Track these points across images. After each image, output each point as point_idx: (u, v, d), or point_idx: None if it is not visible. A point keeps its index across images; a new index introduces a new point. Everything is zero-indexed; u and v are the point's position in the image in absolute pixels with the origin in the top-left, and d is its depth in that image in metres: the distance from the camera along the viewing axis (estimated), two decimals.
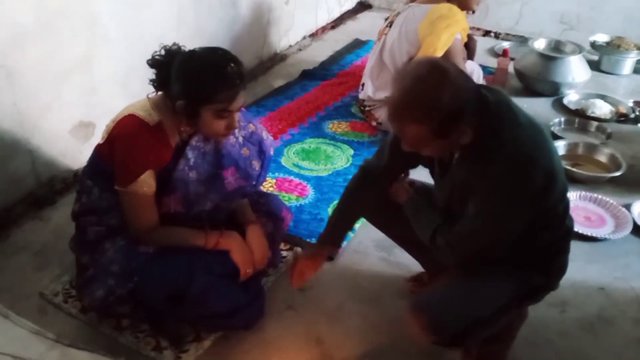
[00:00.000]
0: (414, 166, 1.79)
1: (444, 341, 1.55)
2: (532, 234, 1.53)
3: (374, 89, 2.98)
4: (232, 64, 1.66)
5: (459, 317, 1.52)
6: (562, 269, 1.67)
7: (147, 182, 1.71)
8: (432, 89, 1.37)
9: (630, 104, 3.42)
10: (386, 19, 3.05)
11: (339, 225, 1.88)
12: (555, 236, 1.60)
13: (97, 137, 1.80)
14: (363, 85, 3.08)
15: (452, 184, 1.56)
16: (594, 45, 3.91)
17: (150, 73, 1.73)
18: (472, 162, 1.48)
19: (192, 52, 1.70)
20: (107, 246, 1.78)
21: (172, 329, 1.82)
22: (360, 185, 1.83)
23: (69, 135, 2.45)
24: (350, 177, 2.56)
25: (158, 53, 1.72)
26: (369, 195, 1.82)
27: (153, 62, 1.72)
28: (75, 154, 2.47)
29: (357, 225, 2.33)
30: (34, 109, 2.27)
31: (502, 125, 1.45)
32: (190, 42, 1.78)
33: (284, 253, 2.18)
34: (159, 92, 1.76)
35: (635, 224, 2.42)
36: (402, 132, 1.45)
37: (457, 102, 1.38)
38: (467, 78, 1.44)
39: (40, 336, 1.76)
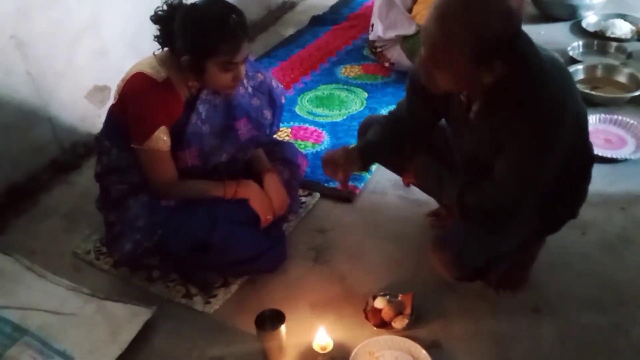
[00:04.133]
0: (434, 122, 1.72)
1: (466, 277, 1.59)
2: (559, 170, 1.51)
3: (383, 28, 2.93)
4: (233, 15, 1.65)
5: (481, 254, 1.54)
6: (583, 197, 1.67)
7: (161, 138, 1.74)
8: (495, 3, 1.25)
9: None
10: None
11: (376, 151, 1.77)
12: (579, 166, 1.59)
13: (112, 100, 1.84)
14: (372, 25, 3.04)
15: (478, 137, 1.50)
16: None
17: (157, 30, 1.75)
18: (500, 114, 1.39)
19: (193, 5, 1.69)
20: (130, 203, 1.84)
21: (200, 276, 1.89)
22: (394, 122, 1.76)
23: (85, 100, 2.50)
24: None
25: (160, 8, 1.73)
26: (402, 136, 1.75)
27: (156, 18, 1.73)
28: (94, 117, 2.52)
29: (373, 167, 2.35)
30: (49, 76, 2.31)
31: (528, 74, 1.36)
32: None
33: (303, 199, 2.22)
34: (165, 49, 1.77)
35: None
36: (439, 38, 1.28)
37: (508, 31, 1.27)
38: (517, 11, 1.31)
39: (76, 292, 1.87)
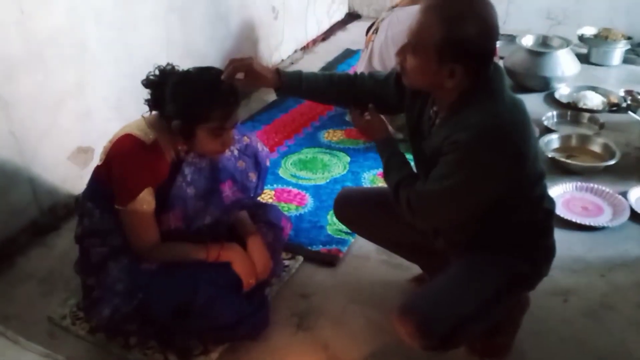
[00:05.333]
0: (391, 108, 1.79)
1: (434, 345, 1.50)
2: (506, 214, 1.54)
3: None
4: (226, 83, 1.69)
5: (444, 318, 1.48)
6: (548, 253, 1.66)
7: (146, 199, 1.74)
8: (476, 9, 1.40)
9: (622, 94, 3.44)
10: (370, 27, 3.11)
11: (302, 78, 1.74)
12: (533, 218, 1.60)
13: (96, 162, 1.84)
14: None
15: (430, 151, 1.54)
16: (582, 38, 3.95)
17: (143, 94, 1.77)
18: (448, 127, 1.47)
19: (186, 73, 1.73)
20: (111, 266, 1.81)
21: (180, 343, 1.83)
22: (354, 76, 1.79)
23: (68, 162, 2.49)
24: (347, 184, 2.67)
25: (152, 73, 1.76)
26: (351, 88, 1.77)
27: (147, 83, 1.76)
28: (76, 179, 2.50)
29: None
30: (32, 137, 2.31)
31: (485, 97, 1.45)
32: (180, 62, 1.82)
33: (286, 262, 2.20)
34: (154, 112, 1.79)
35: (632, 210, 2.44)
36: (418, 22, 1.44)
37: (479, 41, 1.40)
38: (495, 39, 1.46)
39: (50, 359, 1.78)
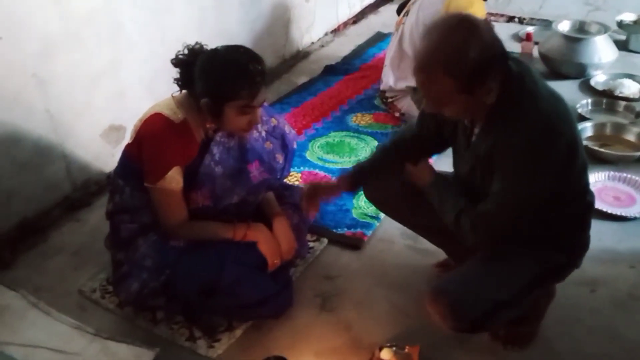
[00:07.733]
0: (441, 145, 1.79)
1: (464, 327, 1.54)
2: (553, 208, 1.52)
3: (395, 79, 2.99)
4: (254, 62, 1.70)
5: (478, 302, 1.51)
6: (584, 245, 1.65)
7: (175, 178, 1.76)
8: (461, 40, 1.35)
9: None
10: (401, 8, 3.08)
11: (366, 171, 1.87)
12: (576, 211, 1.59)
13: (128, 139, 1.87)
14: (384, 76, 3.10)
15: (475, 158, 1.54)
16: (621, 24, 3.84)
17: (175, 74, 1.79)
18: (495, 133, 1.46)
19: (215, 51, 1.75)
20: (140, 242, 1.85)
21: (205, 319, 1.87)
22: (396, 142, 1.87)
23: (100, 139, 2.54)
24: None
25: (181, 52, 1.78)
26: (402, 154, 1.82)
27: (177, 62, 1.78)
28: (108, 156, 2.56)
29: (382, 215, 2.35)
30: (67, 115, 2.36)
31: (523, 95, 1.43)
32: (212, 43, 1.83)
33: (311, 244, 2.22)
34: (183, 91, 1.82)
35: None
36: (428, 85, 1.42)
37: (485, 55, 1.36)
38: (496, 37, 1.42)
39: (80, 331, 1.86)
